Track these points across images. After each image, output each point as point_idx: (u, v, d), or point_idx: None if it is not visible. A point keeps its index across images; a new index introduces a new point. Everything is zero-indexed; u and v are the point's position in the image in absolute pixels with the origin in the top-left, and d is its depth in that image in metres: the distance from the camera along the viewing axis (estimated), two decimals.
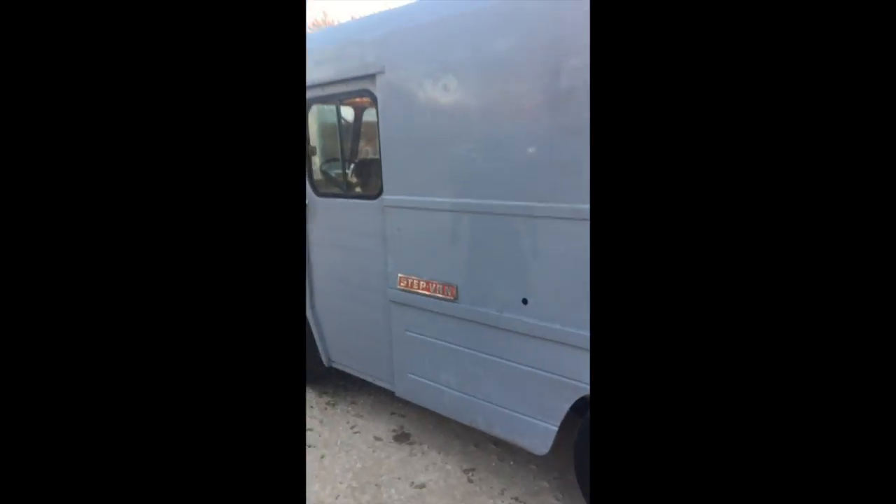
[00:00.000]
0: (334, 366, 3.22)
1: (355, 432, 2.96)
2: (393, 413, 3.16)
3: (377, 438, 2.89)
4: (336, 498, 2.42)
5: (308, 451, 2.78)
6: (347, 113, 3.27)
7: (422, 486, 2.48)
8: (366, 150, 3.50)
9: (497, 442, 2.79)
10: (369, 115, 3.22)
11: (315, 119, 3.24)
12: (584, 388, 2.01)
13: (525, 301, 2.12)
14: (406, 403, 3.13)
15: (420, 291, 2.49)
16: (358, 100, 2.98)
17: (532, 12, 1.89)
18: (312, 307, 3.19)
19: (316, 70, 2.76)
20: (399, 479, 2.54)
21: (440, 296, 2.41)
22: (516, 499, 2.37)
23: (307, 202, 3.01)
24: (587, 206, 1.82)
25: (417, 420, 3.07)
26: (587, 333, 1.92)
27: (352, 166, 3.26)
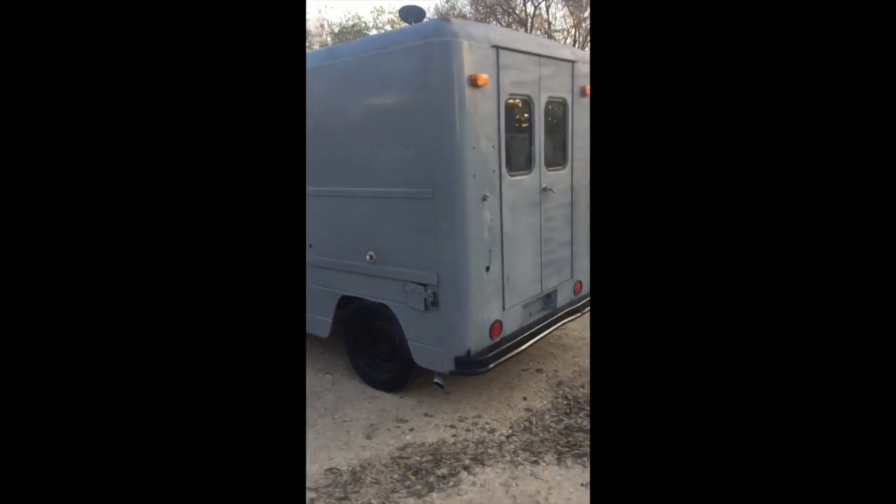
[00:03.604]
0: None
1: None
2: None
3: None
4: None
5: None
6: None
7: None
8: None
9: (314, 346, 4.31)
10: None
11: None
12: (341, 293, 3.56)
13: (310, 245, 3.65)
14: None
15: None
16: None
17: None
18: None
19: None
20: None
21: None
22: (319, 370, 3.94)
23: None
24: (340, 189, 3.37)
25: None
26: (343, 261, 3.47)
27: None
